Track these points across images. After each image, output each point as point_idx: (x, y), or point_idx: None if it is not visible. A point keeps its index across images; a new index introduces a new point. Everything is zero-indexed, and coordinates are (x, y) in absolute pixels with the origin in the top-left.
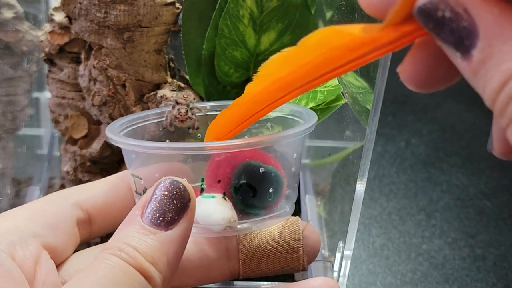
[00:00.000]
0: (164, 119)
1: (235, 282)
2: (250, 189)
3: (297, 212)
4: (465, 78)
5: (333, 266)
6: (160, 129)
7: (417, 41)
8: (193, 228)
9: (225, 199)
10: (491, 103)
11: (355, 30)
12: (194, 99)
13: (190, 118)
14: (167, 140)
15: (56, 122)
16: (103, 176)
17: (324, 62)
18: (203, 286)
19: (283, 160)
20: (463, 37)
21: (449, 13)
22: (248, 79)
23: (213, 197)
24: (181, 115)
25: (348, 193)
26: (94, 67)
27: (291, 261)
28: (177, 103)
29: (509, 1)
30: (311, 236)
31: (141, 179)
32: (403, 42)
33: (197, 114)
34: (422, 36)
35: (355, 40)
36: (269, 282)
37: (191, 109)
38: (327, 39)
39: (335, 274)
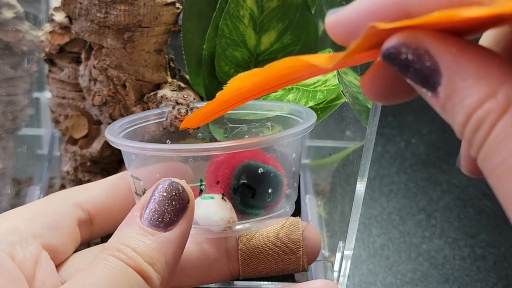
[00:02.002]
0: (164, 119)
1: (235, 282)
2: (249, 189)
3: (297, 212)
4: (437, 111)
5: (333, 266)
6: (161, 129)
7: (377, 60)
8: (192, 228)
9: (224, 199)
10: (460, 134)
11: (320, 59)
12: (194, 99)
13: None
14: (168, 141)
15: (56, 122)
16: (104, 176)
17: (279, 76)
18: (203, 286)
19: (282, 159)
20: (427, 76)
21: (411, 56)
22: None
23: (212, 198)
24: (181, 115)
25: (348, 193)
26: (94, 67)
27: (290, 262)
28: (177, 103)
29: (466, 40)
30: (311, 237)
31: (140, 180)
32: (362, 60)
33: None
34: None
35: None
36: (269, 282)
37: (191, 109)
38: (289, 62)
39: (335, 274)
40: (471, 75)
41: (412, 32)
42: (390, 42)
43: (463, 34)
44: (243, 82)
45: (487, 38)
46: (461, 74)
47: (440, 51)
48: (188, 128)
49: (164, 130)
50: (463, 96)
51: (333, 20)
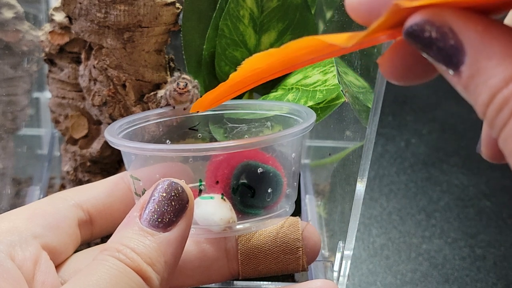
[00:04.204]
0: (164, 119)
1: (235, 282)
2: (248, 189)
3: (297, 212)
4: (457, 91)
5: (333, 266)
6: (161, 129)
7: (397, 39)
8: (192, 229)
9: (223, 199)
10: (482, 115)
11: (339, 38)
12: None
13: (188, 91)
14: (168, 141)
15: (56, 122)
16: (104, 176)
17: (295, 57)
18: (202, 286)
19: (282, 159)
20: (451, 55)
21: (435, 33)
22: None
23: (211, 198)
24: (179, 88)
25: (348, 193)
26: (94, 67)
27: (290, 262)
28: (180, 77)
29: (492, 18)
30: (311, 237)
31: (140, 180)
32: (380, 41)
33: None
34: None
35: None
36: (269, 282)
37: (194, 86)
38: (307, 42)
39: (335, 274)
40: (496, 54)
41: (436, 10)
42: (414, 19)
43: (487, 12)
44: (258, 63)
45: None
46: (486, 53)
47: (465, 29)
48: (184, 109)
49: (164, 130)
50: (488, 76)
51: None
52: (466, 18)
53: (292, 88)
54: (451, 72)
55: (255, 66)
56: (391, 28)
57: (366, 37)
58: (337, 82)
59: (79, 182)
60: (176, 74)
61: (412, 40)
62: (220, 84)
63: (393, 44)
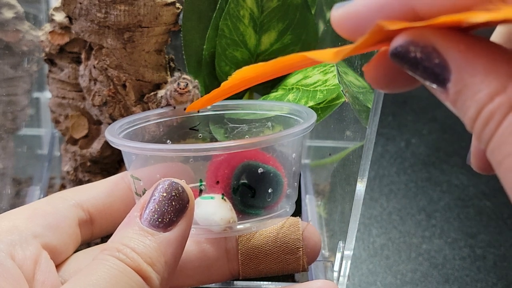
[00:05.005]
0: (165, 119)
1: (235, 282)
2: (249, 189)
3: (297, 212)
4: (447, 106)
5: (333, 266)
6: (161, 130)
7: (382, 49)
8: (192, 229)
9: (224, 199)
10: (471, 128)
11: (325, 55)
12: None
13: (189, 92)
14: (168, 141)
15: (56, 122)
16: (104, 176)
17: (282, 66)
18: (203, 286)
19: (283, 159)
20: (437, 73)
21: (420, 54)
22: None
23: (212, 198)
24: (180, 88)
25: (348, 193)
26: (94, 67)
27: (290, 262)
28: (181, 77)
29: (474, 35)
30: (311, 237)
31: (140, 180)
32: (366, 51)
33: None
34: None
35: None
36: (270, 282)
37: (194, 86)
38: (294, 59)
39: (335, 274)
40: (480, 71)
41: (419, 30)
42: (398, 41)
43: (470, 28)
44: (247, 73)
45: (499, 34)
46: (470, 70)
47: (448, 48)
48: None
49: (164, 130)
50: (474, 92)
51: (340, 14)
52: (449, 37)
53: (292, 88)
54: (438, 89)
55: (244, 75)
56: (376, 44)
57: (351, 53)
58: (337, 82)
59: (79, 182)
60: (177, 74)
61: (398, 61)
62: (213, 90)
63: (377, 54)
